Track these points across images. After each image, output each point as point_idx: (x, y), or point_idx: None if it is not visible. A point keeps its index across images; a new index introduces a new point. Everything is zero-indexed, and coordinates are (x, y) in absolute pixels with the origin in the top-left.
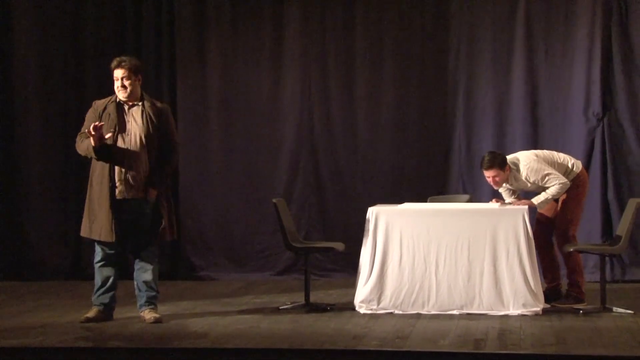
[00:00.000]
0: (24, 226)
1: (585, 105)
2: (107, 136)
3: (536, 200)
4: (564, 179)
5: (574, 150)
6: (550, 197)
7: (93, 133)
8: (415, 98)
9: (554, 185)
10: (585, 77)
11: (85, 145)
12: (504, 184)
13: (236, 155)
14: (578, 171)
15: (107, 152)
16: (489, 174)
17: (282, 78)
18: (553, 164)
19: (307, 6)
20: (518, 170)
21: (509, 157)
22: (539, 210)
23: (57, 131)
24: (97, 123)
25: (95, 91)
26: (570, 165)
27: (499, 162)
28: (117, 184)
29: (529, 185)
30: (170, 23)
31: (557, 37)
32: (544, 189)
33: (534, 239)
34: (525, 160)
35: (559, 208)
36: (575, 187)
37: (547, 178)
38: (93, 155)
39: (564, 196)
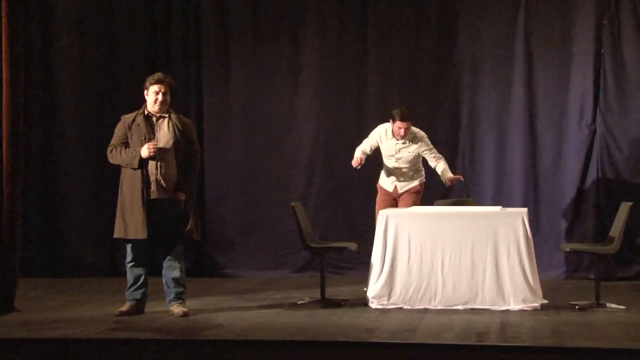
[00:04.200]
0: (63, 227)
1: (580, 115)
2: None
3: (448, 172)
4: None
5: (570, 157)
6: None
7: (152, 146)
8: (421, 110)
9: (442, 161)
10: (580, 89)
11: (129, 156)
12: (402, 141)
13: (257, 162)
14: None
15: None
16: (405, 125)
17: (300, 91)
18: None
19: (322, 26)
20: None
21: None
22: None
23: (92, 141)
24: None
25: (127, 104)
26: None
27: (412, 116)
28: (151, 186)
29: (417, 148)
30: (197, 41)
31: (554, 53)
32: (414, 163)
33: None
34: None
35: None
36: (421, 192)
37: (432, 152)
38: (135, 165)
39: (417, 198)
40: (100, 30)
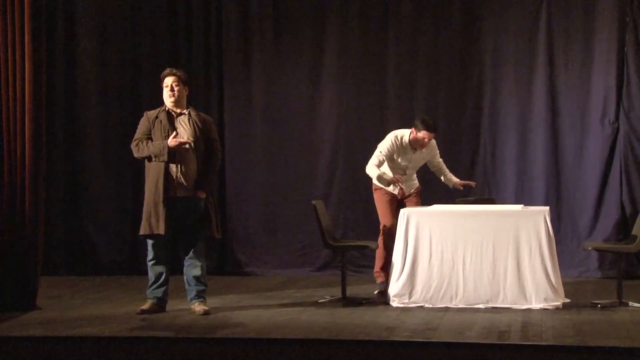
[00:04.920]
0: (85, 226)
1: (603, 114)
2: (186, 146)
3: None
4: None
5: (593, 155)
6: None
7: (178, 142)
8: (443, 108)
9: (444, 165)
10: (602, 87)
11: (157, 148)
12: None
13: (278, 160)
14: None
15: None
16: (431, 135)
17: (321, 88)
18: None
19: (344, 24)
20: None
21: (398, 130)
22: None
23: (115, 139)
24: (184, 140)
25: (150, 102)
26: None
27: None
28: (171, 184)
29: (428, 154)
30: (218, 39)
31: (576, 51)
32: (414, 167)
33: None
34: None
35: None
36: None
37: (438, 156)
38: (166, 158)
39: (420, 197)
40: (122, 29)
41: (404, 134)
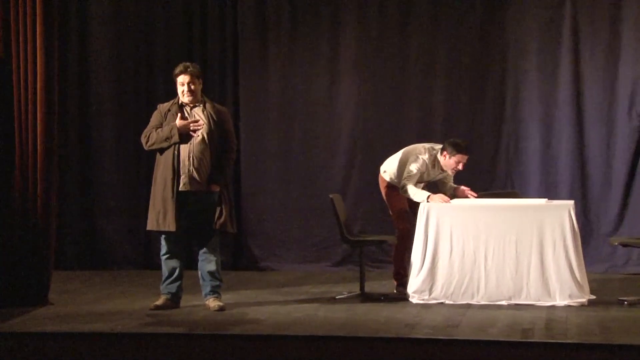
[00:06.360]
0: (98, 221)
1: (630, 105)
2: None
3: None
4: None
5: (619, 147)
6: None
7: (188, 121)
8: (465, 99)
9: None
10: (629, 77)
11: (166, 131)
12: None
13: (295, 154)
14: None
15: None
16: (466, 158)
17: (337, 82)
18: None
19: (361, 16)
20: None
21: (428, 145)
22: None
23: (129, 134)
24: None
25: (164, 95)
26: None
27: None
28: (182, 177)
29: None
30: (233, 32)
31: (601, 39)
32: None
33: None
34: None
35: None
36: None
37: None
38: (177, 139)
39: None
40: (137, 19)
41: (433, 153)
